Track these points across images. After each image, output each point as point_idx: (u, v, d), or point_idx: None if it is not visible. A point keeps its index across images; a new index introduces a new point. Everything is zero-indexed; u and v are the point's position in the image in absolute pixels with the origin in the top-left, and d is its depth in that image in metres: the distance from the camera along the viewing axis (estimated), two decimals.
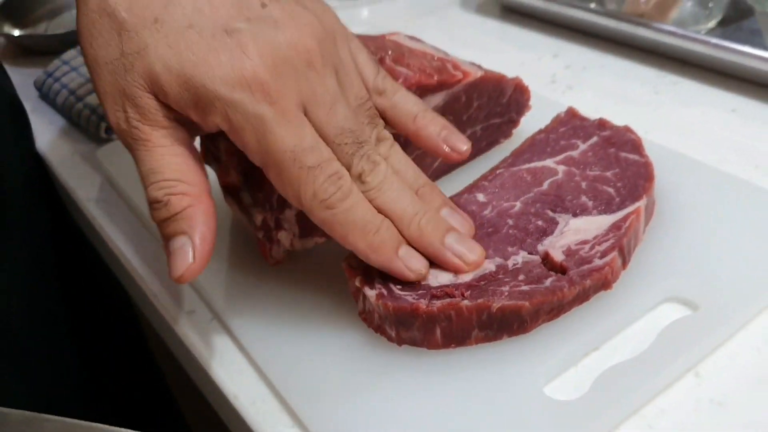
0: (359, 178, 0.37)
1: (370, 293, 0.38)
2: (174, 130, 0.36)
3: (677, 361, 0.36)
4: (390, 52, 0.47)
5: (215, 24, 0.35)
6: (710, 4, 0.61)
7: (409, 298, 0.37)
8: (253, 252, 0.47)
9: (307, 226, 0.44)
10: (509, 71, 0.62)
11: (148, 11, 0.35)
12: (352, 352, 0.39)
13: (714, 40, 0.56)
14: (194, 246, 0.35)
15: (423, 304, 0.37)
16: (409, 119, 0.41)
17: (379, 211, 0.38)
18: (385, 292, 0.38)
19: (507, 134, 0.53)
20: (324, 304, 0.42)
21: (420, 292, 0.38)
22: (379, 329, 0.39)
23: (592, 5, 0.63)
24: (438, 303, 0.37)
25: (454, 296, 0.37)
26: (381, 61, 0.45)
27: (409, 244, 0.39)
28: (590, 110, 0.56)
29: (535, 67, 0.63)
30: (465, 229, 0.40)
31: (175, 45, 0.34)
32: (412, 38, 0.51)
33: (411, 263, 0.38)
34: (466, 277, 0.39)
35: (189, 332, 0.43)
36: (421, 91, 0.45)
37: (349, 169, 0.37)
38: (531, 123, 0.52)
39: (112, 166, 0.58)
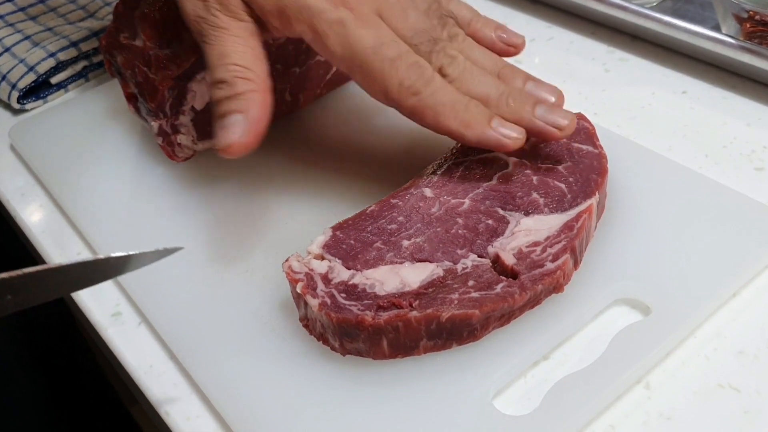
0: (440, 71, 0.40)
1: (313, 302, 0.36)
2: (252, 25, 0.39)
3: (627, 372, 0.35)
4: None
5: None
6: None
7: (354, 309, 0.35)
8: (187, 249, 0.44)
9: (203, 129, 0.48)
10: None
11: None
12: (293, 362, 0.37)
13: (665, 17, 0.54)
14: (248, 124, 0.37)
15: (369, 316, 0.35)
16: (465, 24, 0.44)
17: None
18: (328, 301, 0.36)
19: None
20: (263, 310, 0.40)
21: (366, 302, 0.36)
22: (322, 338, 0.37)
23: None
24: (385, 315, 0.35)
25: (401, 307, 0.35)
26: None
27: None
28: None
29: None
30: (554, 97, 0.42)
31: None
32: None
33: (505, 131, 0.39)
34: (413, 285, 0.37)
35: (114, 338, 0.41)
36: None
37: (431, 60, 0.40)
38: None
39: (28, 147, 0.53)
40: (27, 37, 0.61)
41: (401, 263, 0.37)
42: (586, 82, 0.54)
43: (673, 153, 0.47)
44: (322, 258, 0.38)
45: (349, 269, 0.37)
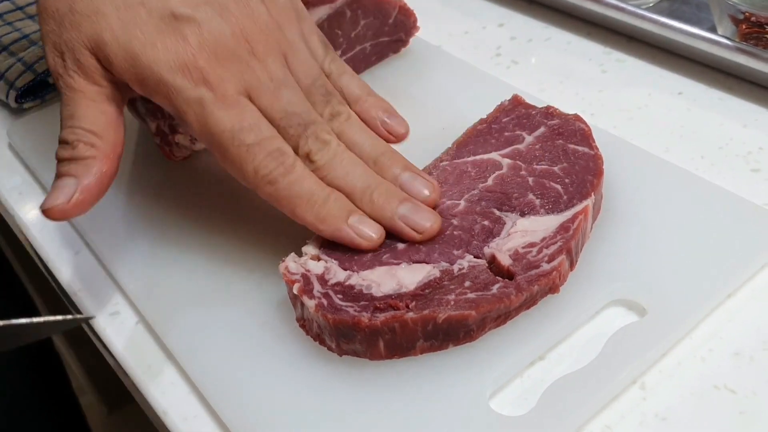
0: (307, 158, 0.38)
1: (309, 303, 0.36)
2: (108, 90, 0.38)
3: (623, 373, 0.35)
4: None
5: (164, 7, 0.36)
6: None
7: (351, 311, 0.35)
8: (182, 250, 0.44)
9: None
10: (453, 40, 0.60)
11: None
12: (290, 362, 0.37)
13: (661, 19, 0.54)
14: (76, 191, 0.36)
15: (365, 317, 0.35)
16: (353, 101, 0.43)
17: (331, 186, 0.38)
18: (325, 302, 0.36)
19: (396, 50, 0.57)
20: (260, 310, 0.40)
21: (362, 303, 0.36)
22: (318, 338, 0.37)
23: None
24: (381, 316, 0.35)
25: (398, 308, 0.35)
26: None
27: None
28: (535, 89, 0.54)
29: (480, 36, 0.61)
30: (429, 193, 0.40)
31: (125, 19, 0.36)
32: None
33: (362, 231, 0.38)
34: (410, 286, 0.37)
35: (112, 337, 0.41)
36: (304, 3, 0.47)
37: (296, 150, 0.38)
38: (476, 106, 0.50)
39: (26, 146, 0.53)
40: (25, 36, 0.61)
41: (398, 264, 0.38)
42: (583, 82, 0.55)
43: (669, 154, 0.47)
44: (319, 258, 0.38)
45: (345, 270, 0.38)
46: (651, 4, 0.60)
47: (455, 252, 0.38)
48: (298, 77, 0.39)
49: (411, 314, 0.35)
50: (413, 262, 0.38)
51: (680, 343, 0.37)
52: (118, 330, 0.41)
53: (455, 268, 0.38)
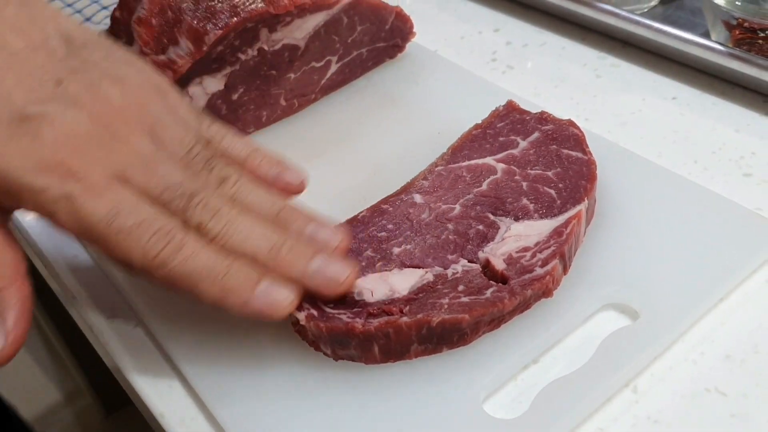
0: (199, 230, 0.35)
1: (299, 315, 0.36)
2: None
3: (615, 376, 0.36)
4: None
5: (11, 111, 0.33)
6: None
7: (344, 317, 0.36)
8: None
9: None
10: (449, 44, 0.61)
11: None
12: (287, 366, 0.37)
13: (655, 24, 0.54)
14: (6, 330, 0.33)
15: (359, 323, 0.35)
16: (241, 162, 0.39)
17: (234, 255, 0.35)
18: (315, 312, 0.36)
19: (392, 55, 0.58)
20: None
21: (355, 309, 0.36)
22: (314, 344, 0.37)
23: None
24: (375, 321, 0.35)
25: (392, 313, 0.36)
26: None
27: None
28: (530, 93, 0.55)
29: (475, 41, 0.61)
30: (337, 242, 0.37)
31: None
32: None
33: (274, 295, 0.34)
34: (403, 291, 0.37)
35: (111, 340, 0.41)
36: (299, 10, 0.48)
37: (187, 224, 0.34)
38: (472, 111, 0.51)
39: None
40: None
41: (389, 270, 0.38)
42: (577, 87, 0.55)
43: (662, 159, 0.48)
44: None
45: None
46: (645, 10, 0.61)
47: (449, 257, 0.39)
48: (172, 150, 0.36)
49: (405, 319, 0.35)
50: (406, 267, 0.38)
51: (672, 347, 0.38)
52: (117, 333, 0.41)
53: (449, 272, 0.38)
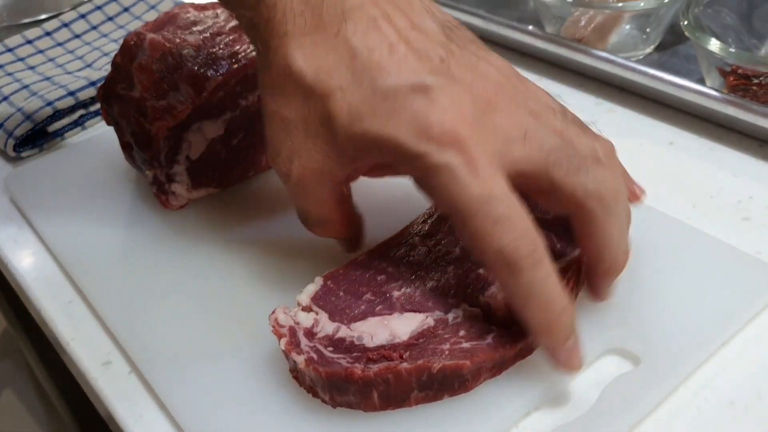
0: (600, 202, 0.35)
1: (299, 359, 0.35)
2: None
3: (618, 422, 0.35)
4: None
5: (398, 83, 0.34)
6: (648, 30, 0.61)
7: (343, 362, 0.35)
8: (180, 295, 0.44)
9: (197, 178, 0.49)
10: None
11: (334, 80, 0.35)
12: (283, 414, 0.37)
13: (651, 71, 0.55)
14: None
15: (358, 368, 0.35)
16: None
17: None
18: (315, 356, 0.35)
19: None
20: (253, 361, 0.39)
21: (355, 354, 0.36)
22: (311, 390, 0.37)
23: (531, 27, 0.62)
24: (375, 367, 0.35)
25: (391, 359, 0.35)
26: None
27: None
28: None
29: None
30: None
31: (361, 112, 0.34)
32: None
33: (577, 353, 0.35)
34: (403, 336, 0.37)
35: (104, 386, 0.40)
36: None
37: (575, 192, 0.35)
38: None
39: (23, 195, 0.54)
40: (25, 86, 0.61)
41: (390, 314, 0.38)
42: None
43: (660, 203, 0.48)
44: (310, 309, 0.38)
45: (334, 322, 0.37)
46: (640, 56, 0.62)
47: (450, 300, 0.39)
48: (548, 120, 0.36)
49: (405, 364, 0.35)
50: (406, 311, 0.38)
51: (675, 393, 0.37)
52: (110, 379, 0.41)
53: (450, 316, 0.38)
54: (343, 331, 0.37)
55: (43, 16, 0.72)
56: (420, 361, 0.35)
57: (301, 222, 0.40)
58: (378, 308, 0.38)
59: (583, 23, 0.59)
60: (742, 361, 0.38)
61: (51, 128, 0.59)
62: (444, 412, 0.36)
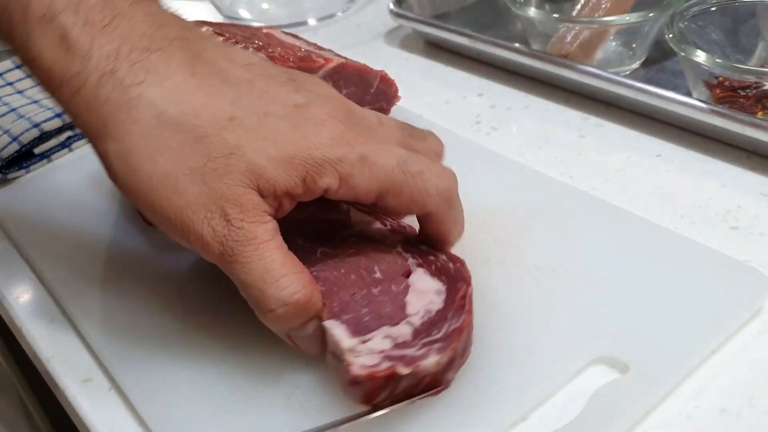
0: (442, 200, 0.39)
1: (431, 360, 0.34)
2: (272, 224, 0.35)
3: (606, 431, 0.34)
4: (257, 42, 0.51)
5: (284, 103, 0.36)
6: (634, 45, 0.61)
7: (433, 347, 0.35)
8: (163, 314, 0.43)
9: None
10: (433, 108, 0.61)
11: (220, 112, 0.35)
12: (267, 429, 0.36)
13: (637, 84, 0.55)
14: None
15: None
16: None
17: None
18: (433, 347, 0.35)
19: None
20: (234, 376, 0.39)
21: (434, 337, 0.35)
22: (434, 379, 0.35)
23: (517, 45, 0.62)
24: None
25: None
26: (244, 49, 0.48)
27: None
28: (515, 153, 0.55)
29: (460, 105, 0.62)
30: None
31: (264, 134, 0.35)
32: (288, 34, 0.56)
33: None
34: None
35: (83, 404, 0.40)
36: None
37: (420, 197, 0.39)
38: (454, 169, 0.51)
39: (7, 214, 0.53)
40: (13, 110, 0.61)
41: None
42: (561, 147, 0.55)
43: (649, 214, 0.47)
44: (364, 341, 0.36)
45: (382, 334, 0.36)
46: (627, 72, 0.62)
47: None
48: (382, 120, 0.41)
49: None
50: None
51: (665, 401, 0.36)
52: (90, 396, 0.40)
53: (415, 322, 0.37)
54: (385, 333, 0.36)
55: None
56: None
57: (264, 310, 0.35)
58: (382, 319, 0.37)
59: (569, 39, 0.59)
60: (733, 369, 0.37)
61: (38, 150, 0.59)
62: (428, 423, 0.35)
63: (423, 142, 0.42)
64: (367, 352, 0.34)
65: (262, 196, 0.35)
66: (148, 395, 0.38)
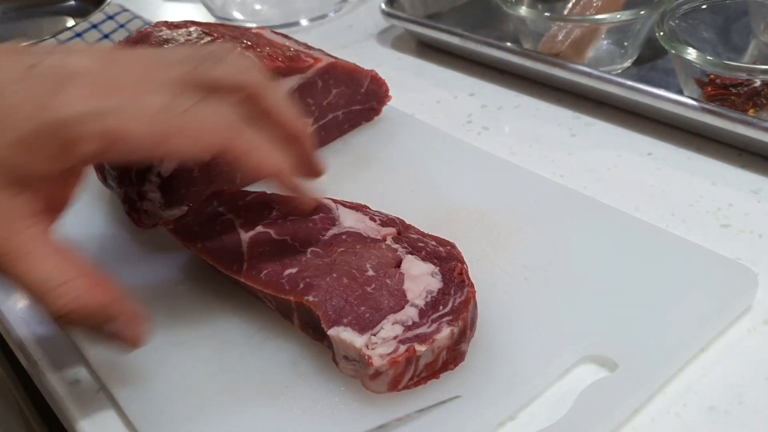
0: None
1: (444, 333, 0.36)
2: (38, 227, 0.32)
3: (594, 430, 0.34)
4: (246, 41, 0.50)
5: (13, 68, 0.32)
6: (626, 44, 0.61)
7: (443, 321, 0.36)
8: (152, 315, 0.43)
9: (169, 196, 0.48)
10: (425, 108, 0.61)
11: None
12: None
13: (628, 82, 0.55)
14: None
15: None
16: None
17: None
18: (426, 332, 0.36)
19: (368, 118, 0.58)
20: (222, 376, 0.39)
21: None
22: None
23: (509, 44, 0.62)
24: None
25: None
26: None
27: None
28: (506, 152, 0.55)
29: (451, 105, 0.62)
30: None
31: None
32: (278, 33, 0.56)
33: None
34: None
35: (72, 406, 0.39)
36: (273, 74, 0.48)
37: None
38: (446, 168, 0.51)
39: None
40: None
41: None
42: (552, 146, 0.55)
43: (640, 212, 0.47)
44: (371, 338, 0.36)
45: (390, 322, 0.37)
46: (619, 71, 0.62)
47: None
48: (180, 50, 0.39)
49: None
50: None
51: (654, 399, 0.36)
52: (78, 398, 0.40)
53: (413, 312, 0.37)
54: (393, 320, 0.37)
55: (24, 44, 0.73)
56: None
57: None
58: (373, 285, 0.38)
59: (560, 38, 0.59)
60: (723, 367, 0.37)
61: None
62: (420, 420, 0.35)
63: (218, 68, 0.36)
64: (381, 342, 0.35)
65: (21, 192, 0.31)
66: (136, 396, 0.38)
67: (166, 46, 0.49)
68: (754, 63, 0.59)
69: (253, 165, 0.36)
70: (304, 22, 0.80)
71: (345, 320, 0.36)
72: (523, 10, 0.61)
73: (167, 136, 0.33)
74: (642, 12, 0.58)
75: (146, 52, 0.37)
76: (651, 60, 0.63)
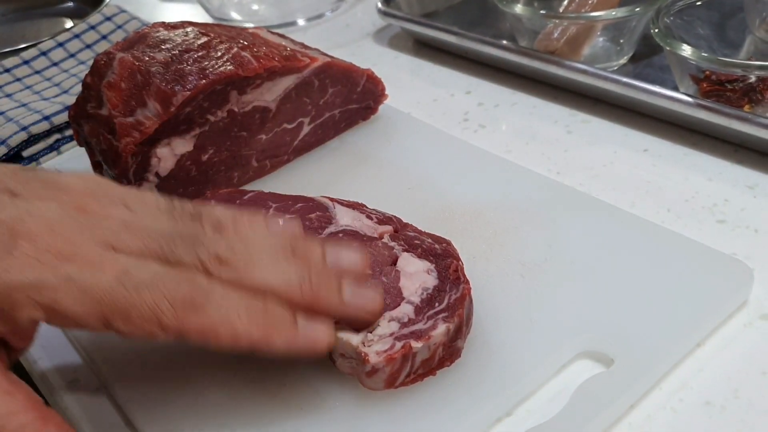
0: (219, 262, 0.32)
1: (440, 329, 0.36)
2: None
3: (591, 425, 0.34)
4: (242, 41, 0.50)
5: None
6: (621, 41, 0.61)
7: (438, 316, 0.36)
8: None
9: (167, 195, 0.44)
10: (421, 107, 0.61)
11: None
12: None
13: (624, 79, 0.55)
14: None
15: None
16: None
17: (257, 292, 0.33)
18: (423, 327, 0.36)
19: (365, 117, 0.58)
20: (219, 374, 0.39)
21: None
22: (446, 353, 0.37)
23: (505, 42, 0.62)
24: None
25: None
26: (229, 49, 0.48)
27: None
28: (502, 150, 0.55)
29: (448, 103, 0.62)
30: (358, 265, 0.36)
31: None
32: (275, 33, 0.56)
33: (315, 330, 0.33)
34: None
35: (70, 404, 0.40)
36: (269, 73, 0.49)
37: (201, 270, 0.32)
38: (443, 166, 0.51)
39: None
40: (1, 113, 0.61)
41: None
42: (549, 143, 0.55)
43: (636, 209, 0.47)
44: (369, 333, 0.36)
45: (387, 319, 0.37)
46: (615, 68, 0.62)
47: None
48: (152, 210, 0.34)
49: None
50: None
51: (650, 394, 0.36)
52: (77, 397, 0.40)
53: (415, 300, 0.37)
54: (389, 317, 0.37)
55: (23, 46, 0.73)
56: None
57: None
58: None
59: (556, 35, 0.59)
60: (719, 361, 0.37)
61: (26, 153, 0.59)
62: (413, 417, 0.35)
63: (199, 254, 0.32)
64: (378, 339, 0.35)
65: None
66: (135, 395, 0.38)
67: (163, 46, 0.49)
68: (750, 59, 0.59)
69: (225, 340, 0.32)
70: (301, 21, 0.80)
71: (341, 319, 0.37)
72: (518, 8, 0.61)
73: (123, 311, 0.30)
74: (637, 9, 0.58)
75: (129, 202, 0.33)
76: (647, 57, 0.63)
